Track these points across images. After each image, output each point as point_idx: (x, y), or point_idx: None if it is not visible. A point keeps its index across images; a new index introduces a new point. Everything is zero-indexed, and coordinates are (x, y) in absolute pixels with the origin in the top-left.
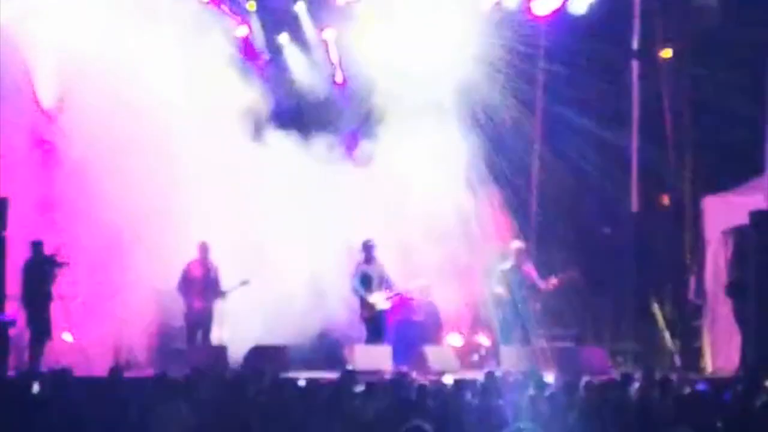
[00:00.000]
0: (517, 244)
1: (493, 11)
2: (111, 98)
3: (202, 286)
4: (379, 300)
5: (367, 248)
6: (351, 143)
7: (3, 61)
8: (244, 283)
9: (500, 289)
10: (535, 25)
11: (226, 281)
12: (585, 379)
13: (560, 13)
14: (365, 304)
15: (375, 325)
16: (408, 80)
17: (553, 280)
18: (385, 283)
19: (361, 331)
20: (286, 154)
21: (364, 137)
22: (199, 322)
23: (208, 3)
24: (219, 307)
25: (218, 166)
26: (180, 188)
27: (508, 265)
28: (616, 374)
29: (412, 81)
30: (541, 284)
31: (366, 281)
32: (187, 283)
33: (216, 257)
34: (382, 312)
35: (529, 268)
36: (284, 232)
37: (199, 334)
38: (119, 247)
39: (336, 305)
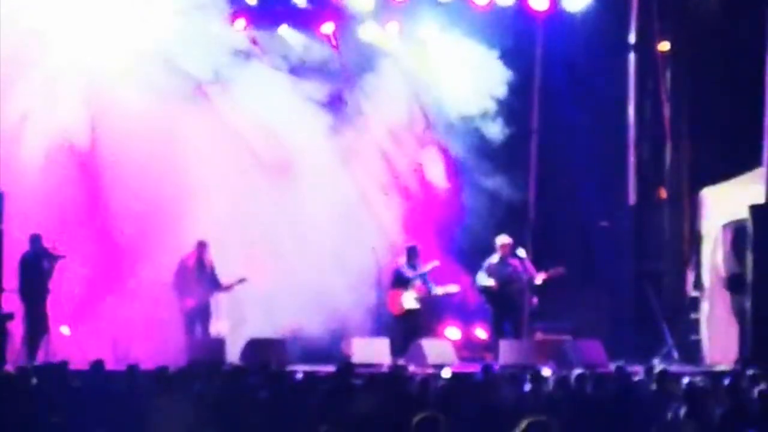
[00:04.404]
0: (504, 238)
1: (489, 8)
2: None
3: (197, 280)
4: (408, 299)
5: (410, 252)
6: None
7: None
8: (242, 281)
9: (490, 282)
10: (531, 19)
11: (225, 276)
12: (582, 372)
13: (557, 7)
14: (395, 302)
15: (405, 324)
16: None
17: (542, 275)
18: (423, 283)
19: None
20: (294, 144)
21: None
22: (196, 315)
23: None
24: (218, 300)
25: (224, 162)
26: (187, 180)
27: (495, 258)
28: (613, 367)
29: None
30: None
31: (402, 281)
32: (182, 278)
33: (220, 251)
34: (411, 311)
35: (516, 263)
36: (287, 225)
37: (198, 328)
38: (125, 245)
39: (336, 298)
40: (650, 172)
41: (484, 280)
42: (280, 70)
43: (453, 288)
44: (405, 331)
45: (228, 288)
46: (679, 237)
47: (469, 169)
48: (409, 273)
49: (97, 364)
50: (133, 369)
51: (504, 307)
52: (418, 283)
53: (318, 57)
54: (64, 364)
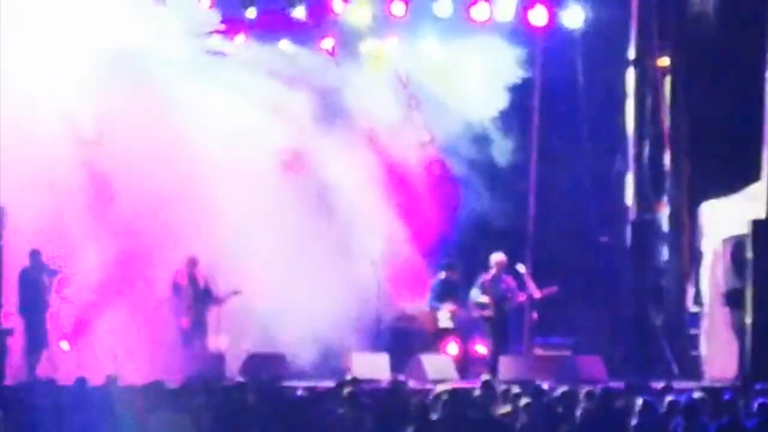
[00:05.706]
0: (499, 256)
1: (488, 23)
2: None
3: (191, 298)
4: (444, 318)
5: (449, 268)
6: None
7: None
8: (236, 293)
9: (485, 299)
10: (531, 35)
11: (220, 289)
12: (581, 387)
13: (556, 23)
14: (431, 319)
15: (433, 342)
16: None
17: (537, 293)
18: (460, 303)
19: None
20: (290, 156)
21: None
22: (193, 332)
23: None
24: (219, 315)
25: (218, 172)
26: (185, 192)
27: (489, 275)
28: (612, 383)
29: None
30: (520, 297)
31: (441, 296)
32: (176, 296)
33: (220, 266)
34: (444, 330)
35: (509, 279)
36: (286, 240)
37: (196, 343)
38: (125, 260)
39: (336, 313)
40: (650, 187)
41: (479, 296)
42: (274, 73)
43: (488, 312)
44: (431, 349)
45: (222, 300)
46: (678, 252)
47: (468, 184)
48: (446, 290)
49: (111, 380)
50: (157, 385)
51: (498, 323)
52: (453, 302)
53: (313, 63)
54: (52, 382)
